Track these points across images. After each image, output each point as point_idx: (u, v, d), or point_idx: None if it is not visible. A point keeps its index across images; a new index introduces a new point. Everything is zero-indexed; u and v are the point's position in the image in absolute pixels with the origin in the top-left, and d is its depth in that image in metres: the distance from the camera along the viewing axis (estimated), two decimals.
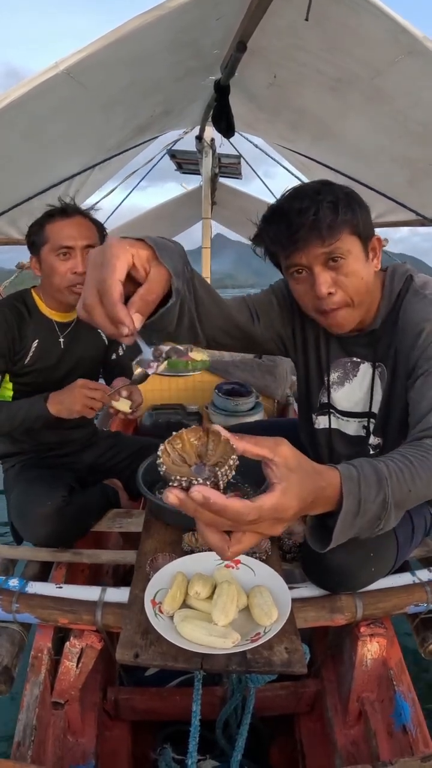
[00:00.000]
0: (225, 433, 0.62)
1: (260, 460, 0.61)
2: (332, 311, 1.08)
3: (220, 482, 0.60)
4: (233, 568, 1.10)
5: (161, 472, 0.62)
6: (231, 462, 0.61)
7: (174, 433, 0.67)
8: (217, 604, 0.96)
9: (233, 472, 0.61)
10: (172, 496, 0.58)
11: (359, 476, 0.70)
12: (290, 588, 1.07)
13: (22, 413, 1.45)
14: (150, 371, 0.68)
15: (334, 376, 1.28)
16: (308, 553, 1.22)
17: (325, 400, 1.31)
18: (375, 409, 1.23)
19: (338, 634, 1.32)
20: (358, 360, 1.24)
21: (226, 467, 0.61)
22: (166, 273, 0.73)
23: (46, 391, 1.60)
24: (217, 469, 0.61)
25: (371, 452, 1.26)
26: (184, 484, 0.58)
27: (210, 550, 1.16)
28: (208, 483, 0.58)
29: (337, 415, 1.31)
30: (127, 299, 0.67)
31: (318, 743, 1.40)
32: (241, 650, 0.90)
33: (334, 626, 1.20)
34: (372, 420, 1.25)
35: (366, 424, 1.27)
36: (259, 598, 0.98)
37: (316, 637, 1.53)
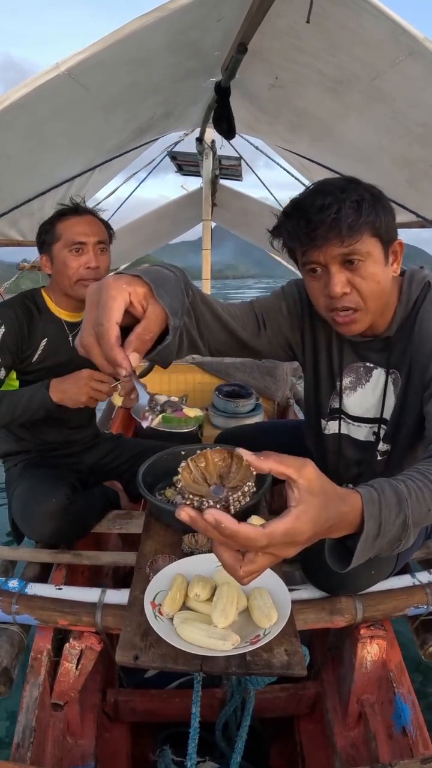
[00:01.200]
0: (247, 457, 0.60)
1: (285, 479, 0.60)
2: (344, 311, 1.05)
3: (231, 507, 0.60)
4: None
5: (178, 487, 0.63)
6: (246, 489, 0.61)
7: (198, 451, 0.67)
8: (217, 606, 0.96)
9: (247, 499, 0.61)
10: (184, 514, 0.59)
11: (380, 499, 0.69)
12: (290, 590, 1.07)
13: (24, 401, 1.45)
14: (144, 424, 0.67)
15: (346, 380, 1.27)
16: (308, 555, 1.21)
17: (337, 406, 1.30)
18: (387, 415, 1.22)
19: (338, 636, 1.32)
20: (371, 365, 1.22)
21: (240, 494, 0.61)
22: (162, 311, 0.73)
23: None
24: (229, 494, 0.61)
25: (378, 458, 1.25)
26: (195, 504, 0.59)
27: (210, 552, 1.17)
28: (218, 506, 0.59)
29: (348, 420, 1.30)
30: (126, 331, 0.68)
31: (318, 745, 1.39)
32: (240, 652, 0.90)
33: (334, 628, 1.20)
34: (383, 426, 1.24)
35: (376, 430, 1.26)
36: (258, 600, 0.98)
37: (316, 639, 1.53)
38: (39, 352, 1.57)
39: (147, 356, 0.75)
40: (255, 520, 0.96)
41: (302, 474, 0.59)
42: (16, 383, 1.59)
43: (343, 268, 1.01)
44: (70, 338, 1.63)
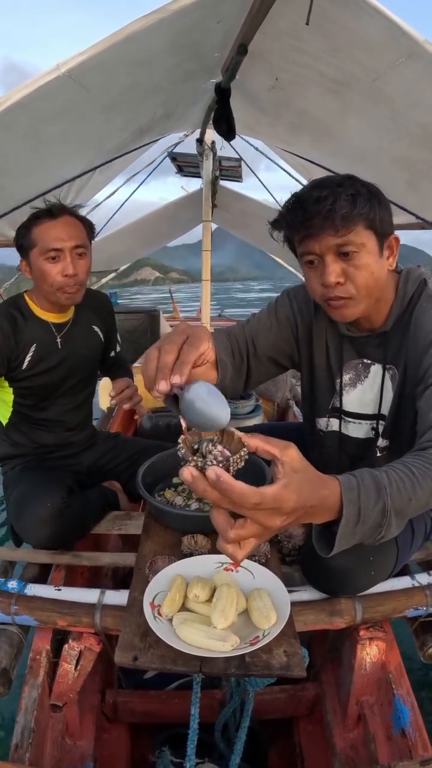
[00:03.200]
0: (238, 433, 0.68)
1: (269, 458, 0.67)
2: (337, 300, 1.09)
3: (231, 468, 0.65)
4: (233, 571, 1.10)
5: (180, 455, 0.67)
6: (242, 453, 0.67)
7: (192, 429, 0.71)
8: (217, 607, 0.95)
9: (243, 463, 0.67)
10: (187, 472, 0.63)
11: (359, 486, 0.74)
12: (290, 591, 1.07)
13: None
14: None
15: (345, 378, 1.28)
16: (308, 556, 1.22)
17: (337, 405, 1.31)
18: (384, 411, 1.23)
19: (337, 637, 1.32)
20: (369, 361, 1.24)
21: (237, 456, 0.66)
22: (215, 376, 1.08)
23: (47, 392, 1.60)
24: (230, 455, 0.66)
25: (378, 454, 1.26)
26: (199, 464, 0.64)
27: (209, 553, 1.17)
28: (219, 465, 0.64)
29: (348, 418, 1.31)
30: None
31: (317, 747, 1.39)
32: (240, 653, 0.90)
33: (333, 630, 1.20)
34: (381, 422, 1.25)
35: (375, 426, 1.27)
36: (258, 602, 0.98)
37: (316, 640, 1.52)
38: (29, 358, 1.54)
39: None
40: None
41: (285, 453, 0.66)
42: (10, 390, 1.58)
43: (337, 259, 1.05)
44: (59, 340, 1.60)
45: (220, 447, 0.68)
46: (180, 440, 0.69)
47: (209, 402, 0.69)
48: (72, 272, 1.46)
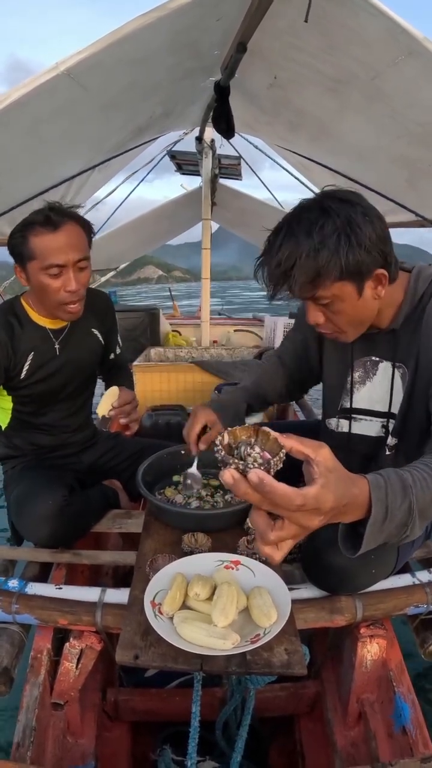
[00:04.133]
0: (274, 434, 0.70)
1: (303, 459, 0.68)
2: (327, 334, 1.15)
3: (272, 470, 0.66)
4: (233, 569, 1.10)
5: (219, 457, 0.68)
6: (281, 455, 0.67)
7: (229, 429, 0.74)
8: (217, 605, 0.96)
9: (281, 465, 0.67)
10: (228, 475, 0.65)
11: (386, 484, 0.75)
12: (290, 589, 1.07)
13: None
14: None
15: (355, 376, 1.29)
16: (308, 554, 1.22)
17: (347, 405, 1.32)
18: (395, 409, 1.23)
19: (338, 635, 1.32)
20: (377, 359, 1.24)
21: (277, 458, 0.67)
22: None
23: (47, 399, 1.59)
24: (270, 458, 0.68)
25: (387, 452, 1.26)
26: (240, 467, 0.65)
27: (210, 551, 1.17)
28: (261, 468, 0.65)
29: (359, 416, 1.31)
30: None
31: (318, 744, 1.40)
32: (240, 651, 0.90)
33: (334, 627, 1.20)
34: (392, 420, 1.25)
35: (385, 424, 1.27)
36: (258, 600, 0.98)
37: (316, 638, 1.53)
38: (27, 366, 1.49)
39: None
40: None
41: (319, 453, 0.66)
42: (9, 397, 1.56)
43: (316, 305, 1.07)
44: (57, 346, 1.54)
45: (258, 449, 0.69)
46: (217, 442, 0.70)
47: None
48: (75, 288, 1.39)
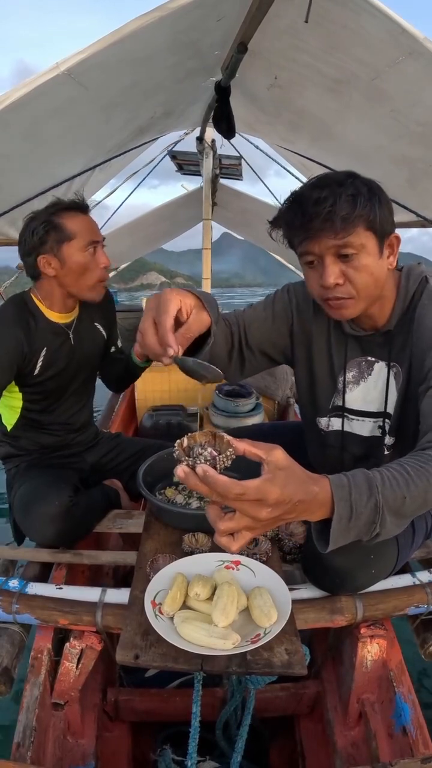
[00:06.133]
0: (227, 437, 0.78)
1: (257, 460, 0.74)
2: (336, 300, 1.09)
3: (218, 466, 0.74)
4: (233, 569, 1.10)
5: (174, 455, 0.77)
6: (228, 453, 0.75)
7: (189, 434, 0.81)
8: (217, 605, 0.96)
9: (229, 462, 0.75)
10: (180, 470, 0.73)
11: (350, 483, 0.79)
12: (290, 589, 1.07)
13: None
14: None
15: (349, 375, 1.28)
16: (309, 554, 1.22)
17: (339, 403, 1.31)
18: (390, 409, 1.23)
19: (338, 635, 1.32)
20: (372, 359, 1.24)
21: (224, 456, 0.75)
22: (207, 318, 0.99)
23: (56, 395, 1.60)
24: (216, 455, 0.76)
25: (386, 452, 1.26)
26: (190, 463, 0.74)
27: (210, 551, 1.17)
28: (207, 463, 0.74)
29: (351, 416, 1.31)
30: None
31: (318, 744, 1.40)
32: (241, 651, 0.90)
33: (334, 627, 1.20)
34: (387, 420, 1.25)
35: (381, 424, 1.27)
36: (259, 600, 0.98)
37: (317, 638, 1.53)
38: (40, 363, 1.52)
39: (196, 355, 1.01)
40: None
41: (271, 454, 0.73)
42: (19, 395, 1.57)
43: (337, 260, 1.05)
44: (66, 341, 1.58)
45: (209, 449, 0.78)
46: (176, 444, 0.79)
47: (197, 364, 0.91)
48: (108, 263, 1.51)
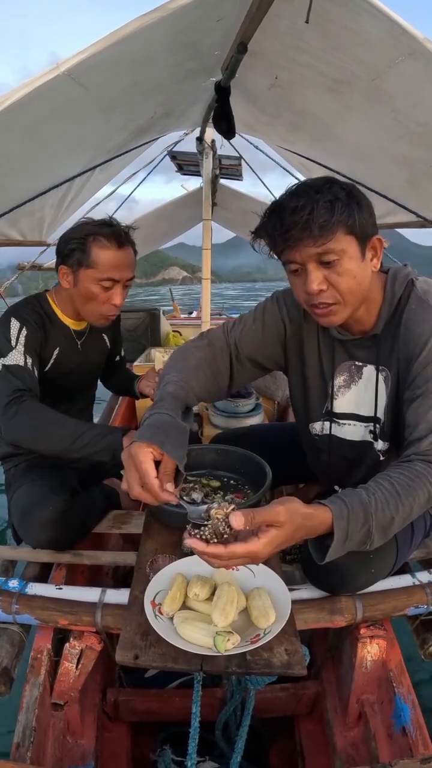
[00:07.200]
0: (234, 517, 0.83)
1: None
2: (323, 308, 1.10)
3: (217, 537, 0.85)
4: (233, 569, 1.10)
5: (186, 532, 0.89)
6: (223, 524, 0.85)
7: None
8: (217, 605, 0.96)
9: (227, 532, 0.85)
10: (190, 542, 0.87)
11: (349, 514, 0.89)
12: (290, 589, 1.07)
13: (91, 433, 1.34)
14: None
15: (339, 380, 1.28)
16: (308, 555, 1.22)
17: (329, 408, 1.31)
18: (380, 413, 1.23)
19: (338, 635, 1.32)
20: (361, 363, 1.24)
21: (221, 528, 0.85)
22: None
23: (58, 397, 1.61)
24: (209, 523, 0.87)
25: (381, 458, 1.26)
26: (200, 535, 0.86)
27: None
28: (207, 533, 0.86)
29: (342, 420, 1.30)
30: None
31: (317, 745, 1.40)
32: (240, 652, 0.90)
33: (333, 628, 1.20)
34: (377, 425, 1.25)
35: (372, 429, 1.26)
36: (258, 600, 0.98)
37: (316, 638, 1.53)
38: (52, 361, 1.56)
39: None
40: None
41: (274, 518, 0.84)
42: None
43: (319, 266, 1.05)
44: (77, 347, 1.63)
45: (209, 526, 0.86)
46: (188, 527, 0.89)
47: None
48: (119, 303, 1.50)
